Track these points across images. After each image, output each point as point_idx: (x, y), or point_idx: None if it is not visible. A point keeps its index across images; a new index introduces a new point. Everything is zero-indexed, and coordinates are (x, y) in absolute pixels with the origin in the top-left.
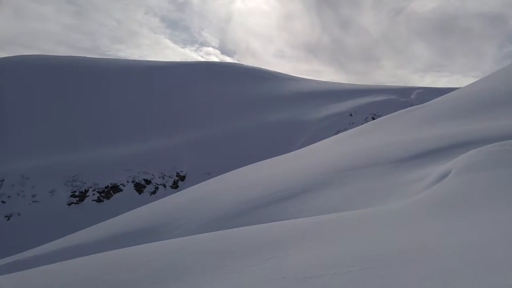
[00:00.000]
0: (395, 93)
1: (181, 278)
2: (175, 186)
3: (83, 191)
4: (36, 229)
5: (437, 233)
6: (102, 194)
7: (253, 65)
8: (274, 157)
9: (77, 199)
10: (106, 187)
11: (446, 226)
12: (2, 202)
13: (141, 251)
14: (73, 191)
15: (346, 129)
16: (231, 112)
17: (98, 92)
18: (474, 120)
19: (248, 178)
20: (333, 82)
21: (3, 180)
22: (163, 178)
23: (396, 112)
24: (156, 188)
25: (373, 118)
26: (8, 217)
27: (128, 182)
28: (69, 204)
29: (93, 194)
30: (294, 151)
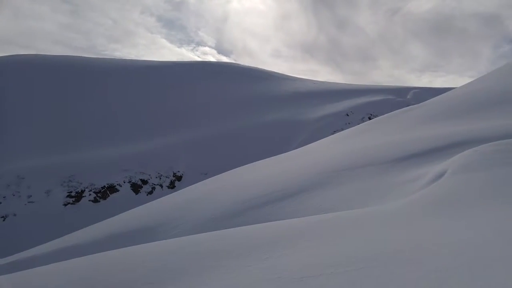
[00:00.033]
0: (391, 93)
1: (178, 278)
2: (172, 186)
3: (80, 191)
4: (32, 230)
5: (433, 232)
6: (99, 195)
7: (249, 65)
8: (271, 157)
9: (73, 199)
10: (102, 187)
11: (442, 225)
12: None
13: (138, 251)
14: (69, 191)
15: (342, 129)
16: (228, 112)
17: (94, 92)
18: (469, 120)
19: (245, 178)
20: (330, 82)
21: None
22: (160, 178)
23: (392, 112)
24: (153, 188)
25: (370, 118)
26: (4, 217)
27: (124, 182)
28: (65, 205)
29: (90, 195)
30: (291, 151)
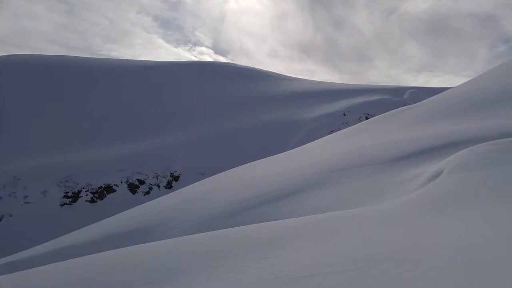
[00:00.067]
0: (388, 92)
1: (176, 278)
2: (169, 186)
3: (76, 191)
4: (28, 231)
5: (430, 232)
6: (96, 195)
7: (246, 65)
8: (268, 157)
9: (70, 200)
10: (99, 188)
11: (439, 225)
12: None
13: (135, 251)
14: (65, 191)
15: (339, 129)
16: (225, 112)
17: (91, 92)
18: (466, 120)
19: (242, 178)
20: (327, 82)
21: None
22: (157, 179)
23: (389, 112)
24: (150, 188)
25: (367, 118)
26: (0, 218)
27: (121, 182)
28: (61, 205)
29: (86, 195)
30: (288, 151)
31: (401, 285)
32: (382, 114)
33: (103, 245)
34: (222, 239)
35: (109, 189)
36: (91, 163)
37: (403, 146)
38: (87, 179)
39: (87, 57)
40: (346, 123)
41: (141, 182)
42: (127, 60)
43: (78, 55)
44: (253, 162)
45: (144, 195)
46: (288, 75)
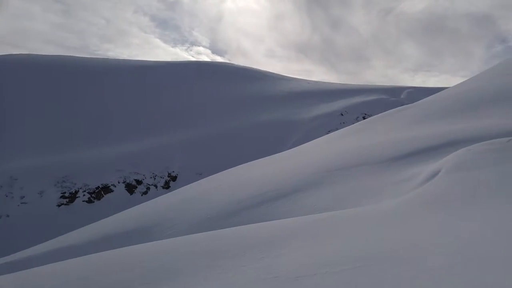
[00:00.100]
0: (385, 92)
1: (174, 278)
2: (166, 186)
3: (73, 192)
4: (25, 231)
5: (427, 231)
6: (93, 195)
7: (244, 65)
8: (266, 157)
9: (67, 200)
10: (96, 188)
11: (436, 224)
12: None
13: (133, 251)
14: (63, 192)
15: (337, 129)
16: (222, 112)
17: (88, 92)
18: (463, 119)
19: (240, 178)
20: (324, 82)
21: None
22: (155, 179)
23: (386, 112)
24: (148, 188)
25: (364, 118)
26: None
27: (119, 182)
28: (58, 206)
29: (84, 195)
30: (286, 151)
31: (399, 284)
32: (380, 114)
33: (101, 245)
34: (220, 239)
35: (106, 189)
36: (88, 163)
37: (400, 146)
38: (84, 179)
39: (84, 57)
40: (343, 123)
41: (139, 182)
42: (124, 60)
43: (75, 55)
44: (251, 162)
45: (142, 195)
46: (285, 75)
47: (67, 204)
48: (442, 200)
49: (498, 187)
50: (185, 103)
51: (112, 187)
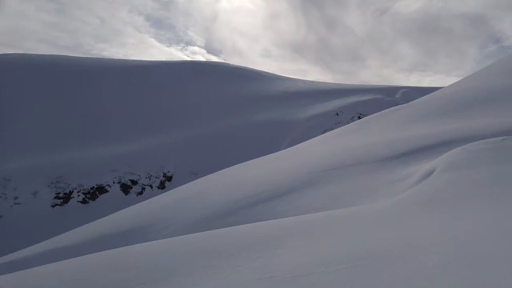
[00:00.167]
0: (380, 92)
1: (169, 278)
2: (162, 186)
3: (68, 192)
4: (19, 232)
5: (422, 230)
6: (88, 195)
7: (239, 65)
8: (261, 157)
9: (61, 200)
10: (91, 188)
11: (431, 223)
12: None
13: (129, 252)
14: (57, 192)
15: (332, 129)
16: (217, 112)
17: (83, 92)
18: (457, 119)
19: (236, 178)
20: (319, 82)
21: None
22: (150, 179)
23: (381, 111)
24: (143, 188)
25: (359, 117)
26: None
27: (114, 183)
28: (53, 206)
29: (78, 196)
30: (281, 151)
31: (394, 283)
32: (375, 114)
33: (97, 246)
34: (215, 239)
35: (101, 189)
36: (83, 164)
37: (395, 146)
38: (79, 179)
39: (80, 57)
40: (338, 122)
41: (134, 182)
42: (120, 60)
43: (68, 54)
44: (246, 162)
45: (137, 195)
46: (281, 74)
47: (61, 204)
48: (436, 199)
49: (493, 186)
50: (180, 103)
51: (107, 188)
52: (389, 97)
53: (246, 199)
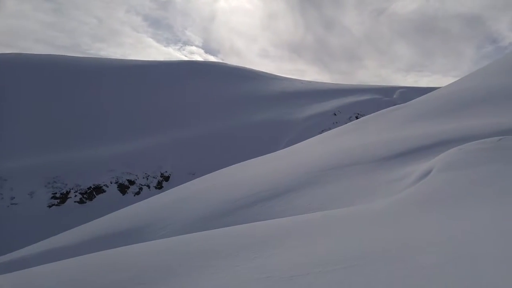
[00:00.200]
0: (378, 92)
1: (167, 278)
2: (159, 186)
3: (65, 192)
4: (16, 232)
5: (420, 230)
6: (85, 196)
7: (237, 65)
8: (259, 157)
9: (58, 200)
10: (88, 188)
11: (428, 223)
12: None
13: (127, 252)
14: (53, 192)
15: (330, 129)
16: (215, 111)
17: (80, 91)
18: (454, 119)
19: (233, 178)
20: (317, 82)
21: None
22: (147, 179)
23: (379, 111)
24: (140, 188)
25: (357, 117)
26: None
27: (111, 183)
28: (49, 206)
29: (75, 196)
30: (279, 151)
31: (391, 283)
32: (372, 114)
33: (94, 246)
34: (213, 239)
35: (98, 189)
36: (80, 164)
37: (393, 146)
38: (76, 179)
39: (77, 56)
40: (336, 122)
41: (131, 182)
42: (117, 60)
43: (66, 54)
44: (244, 162)
45: (134, 195)
46: (279, 74)
47: (58, 205)
48: (434, 199)
49: (490, 186)
50: (178, 102)
51: (104, 188)
52: (387, 97)
53: (244, 199)
